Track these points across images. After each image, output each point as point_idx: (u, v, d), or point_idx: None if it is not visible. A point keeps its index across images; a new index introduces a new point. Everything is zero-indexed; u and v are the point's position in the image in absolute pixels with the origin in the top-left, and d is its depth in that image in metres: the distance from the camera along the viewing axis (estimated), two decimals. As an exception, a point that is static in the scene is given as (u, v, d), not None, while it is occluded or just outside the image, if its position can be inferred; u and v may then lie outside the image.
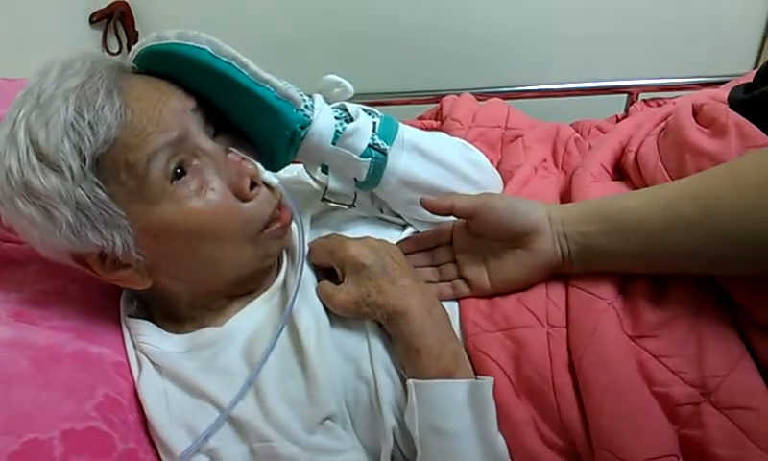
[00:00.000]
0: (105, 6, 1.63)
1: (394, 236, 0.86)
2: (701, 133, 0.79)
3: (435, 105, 1.27)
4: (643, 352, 0.67)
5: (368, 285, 0.74)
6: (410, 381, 0.70)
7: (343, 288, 0.75)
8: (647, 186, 0.82)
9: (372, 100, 0.91)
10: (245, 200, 0.73)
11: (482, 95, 1.25)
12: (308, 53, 1.51)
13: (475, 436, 0.69)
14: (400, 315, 0.72)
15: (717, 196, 0.65)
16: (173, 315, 0.81)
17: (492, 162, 0.99)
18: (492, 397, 0.69)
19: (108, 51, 1.66)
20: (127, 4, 1.66)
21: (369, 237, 0.80)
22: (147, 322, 0.80)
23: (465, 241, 0.81)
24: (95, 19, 1.63)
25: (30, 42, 1.32)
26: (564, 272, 0.75)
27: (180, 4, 1.63)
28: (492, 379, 0.70)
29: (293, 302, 0.76)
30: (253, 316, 0.79)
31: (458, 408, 0.69)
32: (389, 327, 0.74)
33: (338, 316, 0.77)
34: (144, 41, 0.74)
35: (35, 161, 0.66)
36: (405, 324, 0.72)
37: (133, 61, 0.76)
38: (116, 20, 1.64)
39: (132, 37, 1.67)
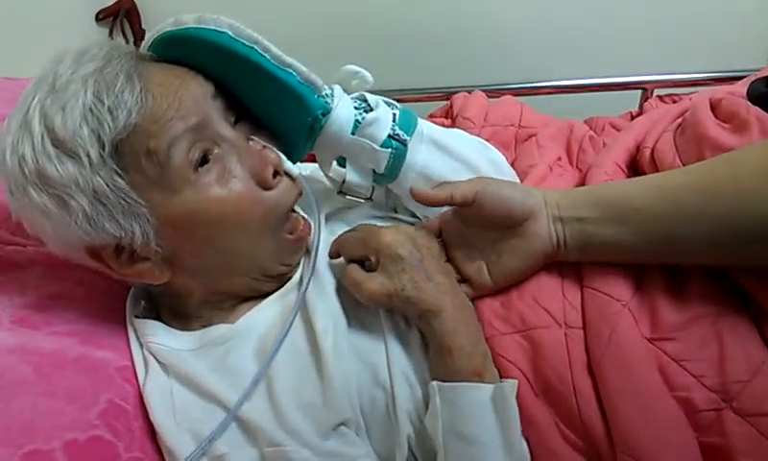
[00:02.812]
0: (111, 4, 1.63)
1: None
2: (720, 128, 0.77)
3: (445, 102, 1.26)
4: (663, 356, 0.66)
5: (402, 278, 0.70)
6: (433, 383, 0.69)
7: (375, 278, 0.71)
8: None
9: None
10: (267, 188, 0.72)
11: (493, 92, 1.25)
12: (318, 50, 1.48)
13: (500, 441, 0.67)
14: (435, 314, 0.69)
15: (716, 183, 0.64)
16: (182, 313, 0.80)
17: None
18: (514, 400, 0.67)
19: (114, 49, 1.65)
20: (133, 2, 1.65)
21: (401, 225, 0.77)
22: (155, 321, 0.79)
23: (455, 236, 0.78)
24: (101, 17, 1.62)
25: (35, 41, 1.30)
26: (560, 259, 0.73)
27: (186, 1, 1.62)
28: (516, 382, 0.68)
29: (306, 287, 0.75)
30: (267, 313, 0.78)
31: (482, 412, 0.67)
32: (419, 324, 0.72)
33: (356, 318, 0.76)
34: (161, 27, 0.73)
35: (50, 148, 0.64)
36: (439, 323, 0.69)
37: (149, 48, 0.74)
38: (122, 18, 1.64)
39: (139, 35, 1.67)
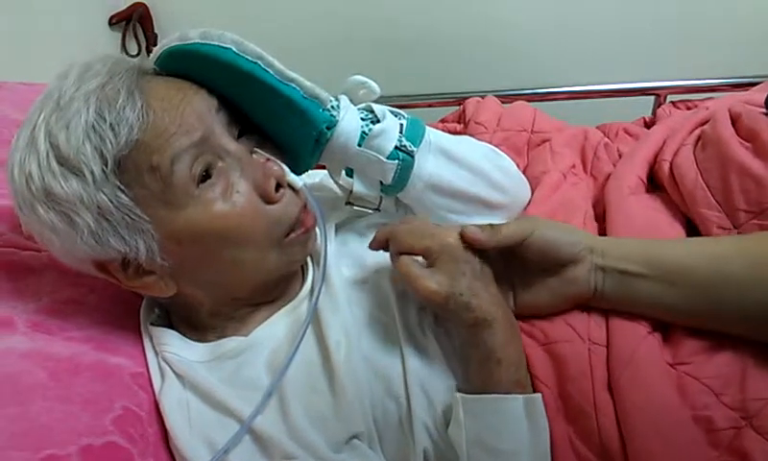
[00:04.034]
0: (124, 8, 1.63)
1: None
2: (744, 148, 0.76)
3: (458, 107, 1.26)
4: (684, 377, 0.65)
5: (461, 282, 0.68)
6: (457, 395, 0.68)
7: (433, 275, 0.69)
8: (684, 200, 0.80)
9: (394, 103, 0.90)
10: (270, 202, 0.72)
11: (506, 97, 1.24)
12: (330, 55, 1.49)
13: (528, 453, 0.66)
14: (488, 324, 0.68)
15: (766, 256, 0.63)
16: (195, 323, 0.79)
17: (518, 168, 0.97)
18: (544, 412, 0.67)
19: (127, 53, 1.66)
20: (146, 6, 1.66)
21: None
22: (170, 330, 0.79)
23: (490, 254, 0.76)
24: (114, 21, 1.63)
25: (49, 45, 1.31)
26: (592, 304, 0.72)
27: (199, 5, 1.63)
28: (541, 395, 0.67)
29: (317, 298, 0.74)
30: (279, 326, 0.78)
31: (513, 424, 0.66)
32: (469, 333, 0.69)
33: (370, 328, 0.76)
34: (166, 42, 0.73)
35: (55, 166, 0.65)
36: (490, 334, 0.68)
37: (155, 63, 0.74)
38: (135, 22, 1.65)
39: (152, 39, 1.68)
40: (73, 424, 0.64)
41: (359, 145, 0.78)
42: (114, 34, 1.65)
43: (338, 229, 0.86)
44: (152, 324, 0.80)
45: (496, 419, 0.66)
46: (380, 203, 0.85)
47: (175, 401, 0.72)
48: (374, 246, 0.76)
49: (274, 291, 0.79)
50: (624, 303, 0.70)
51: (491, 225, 0.71)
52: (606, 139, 1.03)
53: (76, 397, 0.67)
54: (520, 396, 0.67)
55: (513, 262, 0.73)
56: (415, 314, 0.77)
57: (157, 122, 0.66)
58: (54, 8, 1.42)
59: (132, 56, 1.65)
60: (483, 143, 0.94)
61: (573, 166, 0.97)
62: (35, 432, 0.62)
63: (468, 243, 0.70)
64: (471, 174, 0.84)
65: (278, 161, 0.74)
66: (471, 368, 0.70)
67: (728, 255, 0.66)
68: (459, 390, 0.70)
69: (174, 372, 0.74)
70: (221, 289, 0.76)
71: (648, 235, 0.77)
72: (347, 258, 0.83)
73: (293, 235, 0.74)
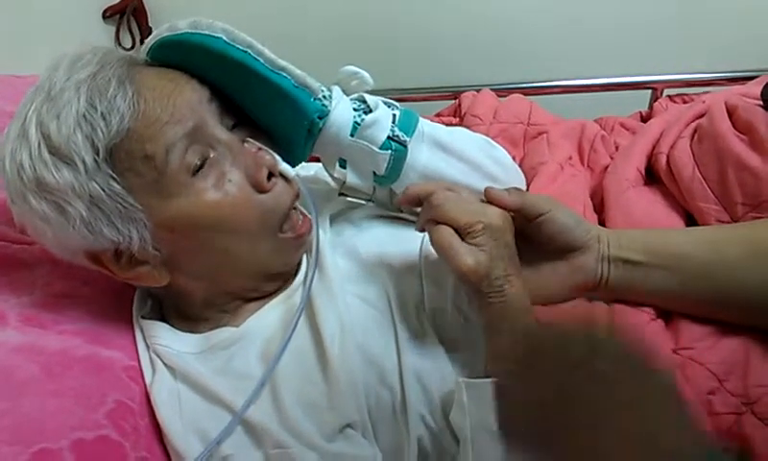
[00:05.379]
0: (118, 1, 1.62)
1: (413, 236, 0.83)
2: (741, 141, 0.76)
3: (453, 101, 1.25)
4: (688, 362, 0.65)
5: (499, 265, 0.66)
6: (460, 380, 0.67)
7: (474, 253, 0.65)
8: (682, 194, 0.80)
9: (390, 97, 0.90)
10: (262, 191, 0.72)
11: (501, 91, 1.24)
12: (325, 49, 1.49)
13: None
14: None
15: (759, 236, 0.64)
16: (187, 315, 0.79)
17: (514, 159, 0.97)
18: None
19: (121, 47, 1.66)
20: (140, -1, 1.65)
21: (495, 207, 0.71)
22: (161, 322, 0.78)
23: None
24: (108, 15, 1.63)
25: (42, 38, 1.30)
26: (598, 295, 0.72)
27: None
28: None
29: (311, 283, 0.74)
30: (272, 316, 0.77)
31: None
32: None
33: (365, 317, 0.75)
34: (157, 33, 0.73)
35: (47, 155, 0.65)
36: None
37: (147, 54, 0.74)
38: (129, 15, 1.64)
39: (146, 33, 1.67)
40: (65, 417, 0.64)
41: (351, 135, 0.78)
42: (108, 27, 1.64)
43: (333, 220, 0.86)
44: (143, 316, 0.79)
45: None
46: (374, 192, 0.85)
47: (165, 393, 0.72)
48: (404, 201, 0.74)
49: (266, 287, 0.79)
50: (627, 293, 0.70)
51: (516, 188, 0.71)
52: (603, 132, 1.04)
53: (68, 390, 0.67)
54: None
55: (521, 246, 0.72)
56: (411, 304, 0.77)
57: (149, 111, 0.66)
58: (48, 1, 1.41)
59: (127, 49, 1.64)
60: (477, 134, 0.94)
61: (570, 158, 0.98)
62: (26, 426, 0.61)
63: (493, 203, 0.70)
64: (465, 165, 0.84)
65: (270, 151, 0.74)
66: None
67: (726, 241, 0.67)
68: (467, 375, 0.69)
69: (164, 364, 0.74)
70: (213, 280, 0.76)
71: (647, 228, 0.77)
72: (342, 249, 0.82)
73: (288, 235, 0.74)
